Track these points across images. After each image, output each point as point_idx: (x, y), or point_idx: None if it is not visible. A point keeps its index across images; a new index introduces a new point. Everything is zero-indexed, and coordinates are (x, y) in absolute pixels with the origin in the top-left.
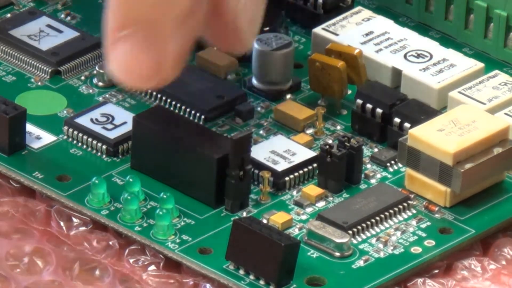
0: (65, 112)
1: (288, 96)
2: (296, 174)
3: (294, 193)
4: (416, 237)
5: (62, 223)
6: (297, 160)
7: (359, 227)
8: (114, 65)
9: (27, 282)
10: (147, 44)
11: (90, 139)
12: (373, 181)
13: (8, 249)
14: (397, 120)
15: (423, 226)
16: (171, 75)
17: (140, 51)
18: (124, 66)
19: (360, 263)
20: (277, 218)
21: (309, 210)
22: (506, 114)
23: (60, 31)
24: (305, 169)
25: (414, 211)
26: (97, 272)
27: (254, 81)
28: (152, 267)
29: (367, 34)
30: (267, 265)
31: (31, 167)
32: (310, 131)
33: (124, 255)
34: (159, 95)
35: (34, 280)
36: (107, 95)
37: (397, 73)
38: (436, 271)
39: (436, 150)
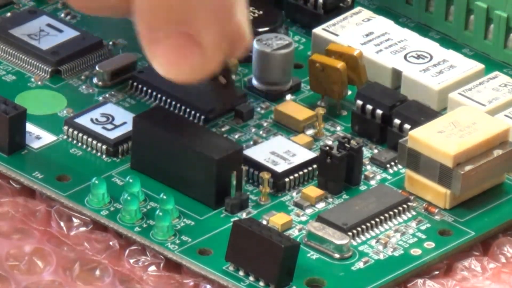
0: (65, 112)
1: (288, 96)
2: (296, 175)
3: (294, 194)
4: (415, 239)
5: (62, 224)
6: (297, 161)
7: (359, 229)
8: (159, 63)
9: (27, 282)
10: (185, 39)
11: (90, 139)
12: (373, 182)
13: (8, 249)
14: (397, 121)
15: (423, 227)
16: (217, 62)
17: (181, 47)
18: (169, 63)
19: (360, 264)
20: (277, 219)
21: (309, 211)
22: (506, 116)
23: (60, 31)
24: (305, 170)
25: (414, 213)
26: (97, 272)
27: (254, 82)
28: (153, 268)
29: (367, 35)
30: (267, 266)
31: (31, 167)
32: (310, 132)
33: (124, 255)
34: (159, 95)
35: (34, 280)
36: (107, 95)
37: (397, 74)
38: (436, 272)
39: (436, 152)
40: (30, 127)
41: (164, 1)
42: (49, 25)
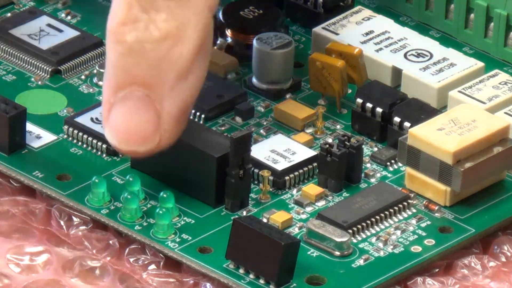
0: (65, 111)
1: (288, 95)
2: (296, 173)
3: (294, 192)
4: (416, 236)
5: (62, 222)
6: (297, 159)
7: (359, 226)
8: (112, 128)
9: (27, 282)
10: (144, 104)
11: (90, 138)
12: (373, 180)
13: (8, 248)
14: (397, 119)
15: (423, 225)
16: (171, 136)
17: (137, 111)
18: (122, 128)
19: (360, 262)
20: (277, 217)
21: (309, 209)
22: (506, 113)
23: (60, 31)
24: (305, 168)
25: (414, 210)
26: (97, 272)
27: (254, 80)
28: (152, 266)
29: (367, 34)
30: (267, 264)
31: (31, 166)
32: (310, 130)
33: (124, 254)
34: None
35: (34, 279)
36: None
37: (397, 73)
38: (436, 270)
39: (436, 149)
40: (30, 126)
41: (131, 59)
42: (49, 25)
